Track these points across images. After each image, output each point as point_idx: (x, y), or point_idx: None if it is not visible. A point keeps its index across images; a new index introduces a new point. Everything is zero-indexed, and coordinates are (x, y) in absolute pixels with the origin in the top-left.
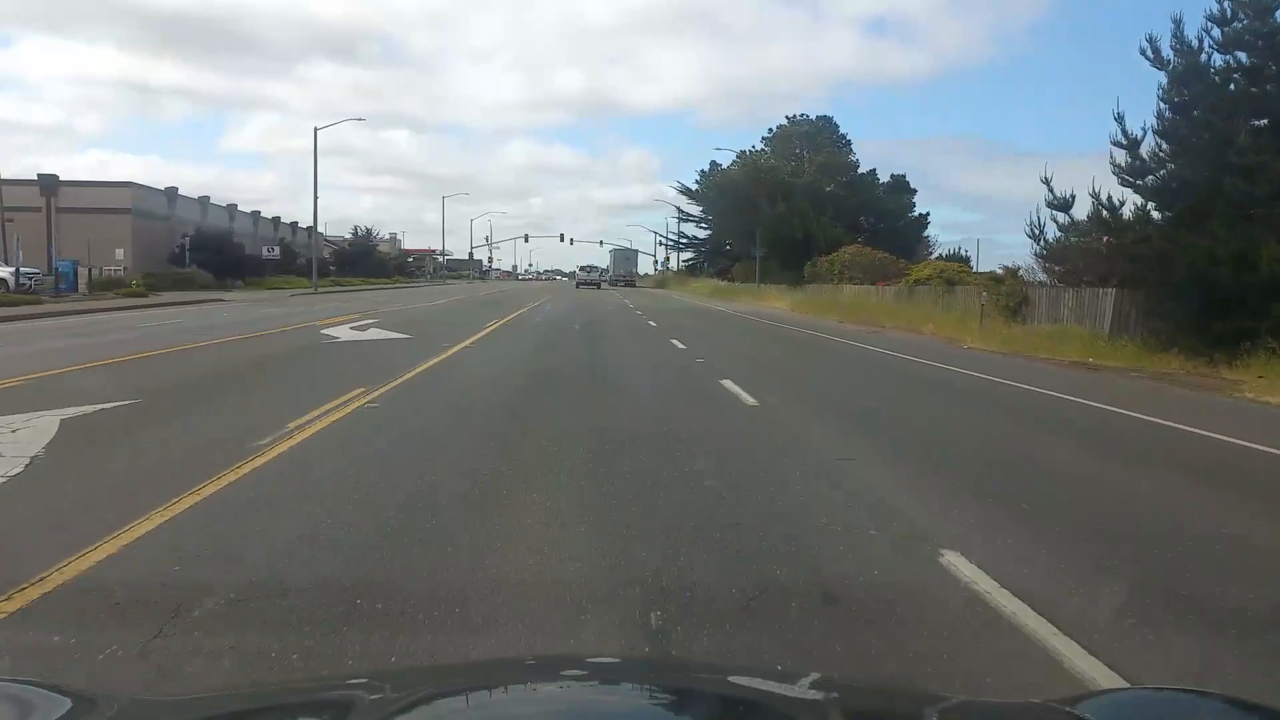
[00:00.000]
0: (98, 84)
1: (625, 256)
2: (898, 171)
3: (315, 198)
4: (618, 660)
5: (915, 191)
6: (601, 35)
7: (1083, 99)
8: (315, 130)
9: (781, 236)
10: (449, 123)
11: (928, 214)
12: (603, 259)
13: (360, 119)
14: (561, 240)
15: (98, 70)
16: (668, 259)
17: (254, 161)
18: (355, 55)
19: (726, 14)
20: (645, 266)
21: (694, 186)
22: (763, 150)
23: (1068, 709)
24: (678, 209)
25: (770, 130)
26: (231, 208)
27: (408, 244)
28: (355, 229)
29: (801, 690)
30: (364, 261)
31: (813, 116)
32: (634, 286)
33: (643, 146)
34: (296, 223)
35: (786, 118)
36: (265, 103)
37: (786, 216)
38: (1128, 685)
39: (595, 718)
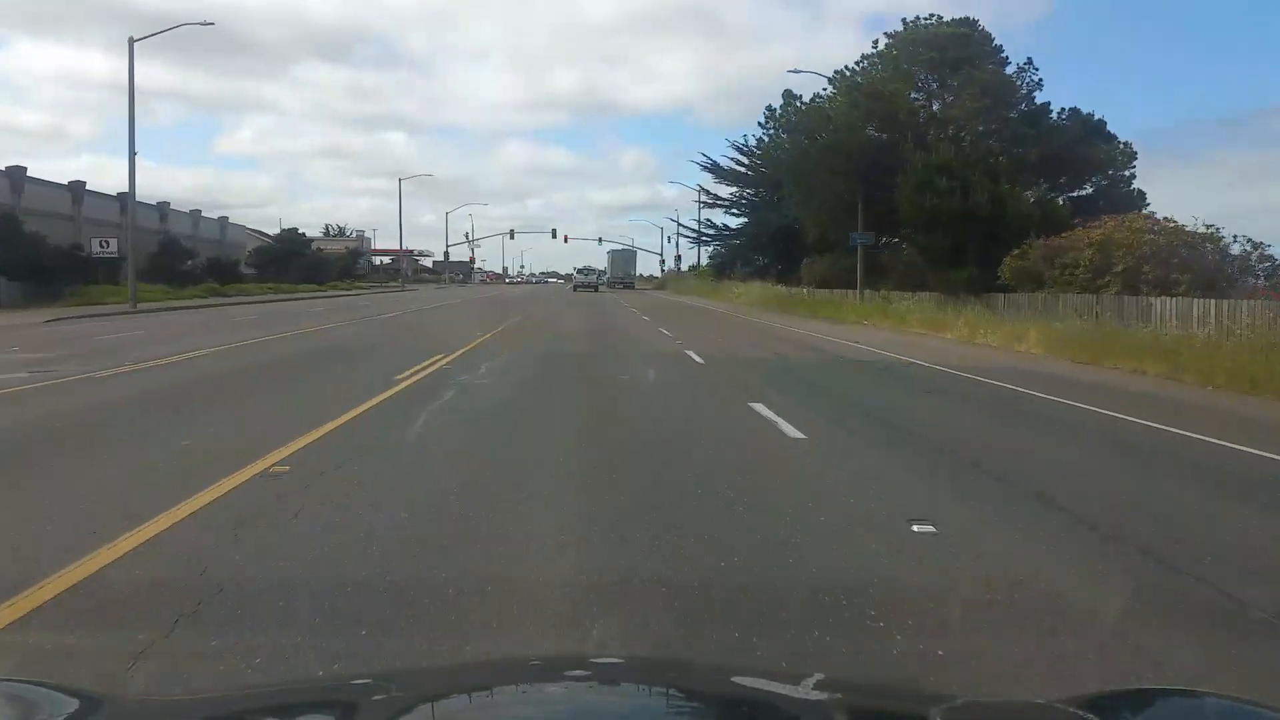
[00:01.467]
0: (88, 87)
1: (624, 257)
2: (1083, 109)
3: (131, 154)
4: (621, 661)
5: (1114, 138)
6: (598, 35)
7: (1083, 97)
8: (131, 41)
9: (939, 207)
10: (446, 124)
11: (1134, 174)
12: (601, 259)
13: (209, 23)
14: (554, 237)
15: (88, 72)
16: (679, 258)
17: (249, 164)
18: (350, 56)
19: (725, 11)
20: (650, 267)
21: (723, 162)
22: (865, 71)
23: (1072, 709)
24: (700, 189)
25: (876, 44)
26: (76, 185)
27: (405, 246)
28: (328, 227)
29: (805, 691)
30: (294, 262)
31: (946, 19)
32: (632, 289)
33: (641, 146)
34: (199, 210)
35: (904, 21)
36: (259, 105)
37: (955, 172)
38: (1132, 687)
39: (598, 719)
